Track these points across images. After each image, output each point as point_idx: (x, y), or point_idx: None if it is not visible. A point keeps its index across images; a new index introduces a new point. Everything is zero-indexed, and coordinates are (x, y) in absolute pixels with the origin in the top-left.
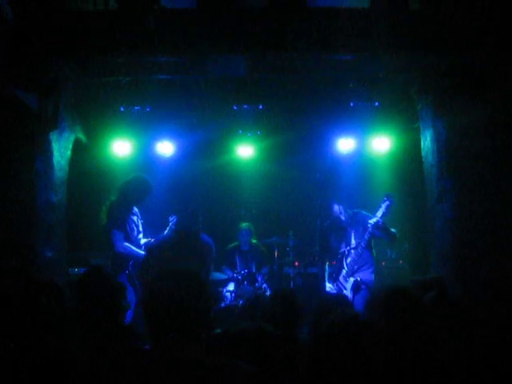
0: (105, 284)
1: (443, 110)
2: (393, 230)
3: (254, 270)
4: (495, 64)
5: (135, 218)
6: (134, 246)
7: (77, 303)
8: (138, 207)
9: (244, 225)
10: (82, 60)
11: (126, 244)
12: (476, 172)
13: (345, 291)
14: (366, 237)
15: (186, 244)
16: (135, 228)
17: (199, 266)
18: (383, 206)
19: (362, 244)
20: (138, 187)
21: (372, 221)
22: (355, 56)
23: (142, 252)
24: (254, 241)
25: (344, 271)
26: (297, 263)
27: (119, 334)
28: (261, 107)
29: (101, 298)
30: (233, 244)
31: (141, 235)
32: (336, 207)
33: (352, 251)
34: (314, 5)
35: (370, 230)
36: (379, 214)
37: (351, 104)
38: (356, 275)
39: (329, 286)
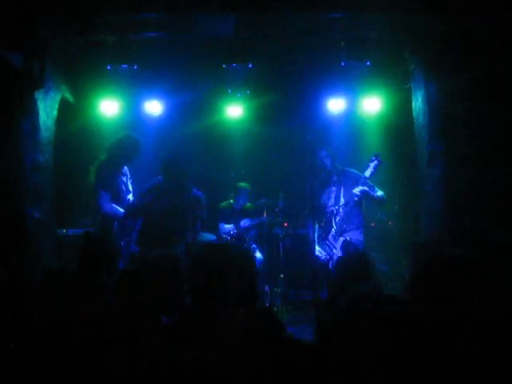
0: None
1: (436, 71)
2: (380, 193)
3: (243, 225)
4: (492, 27)
5: (125, 177)
6: (123, 205)
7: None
8: (127, 166)
9: (243, 184)
10: (67, 19)
11: (113, 205)
12: (467, 134)
13: (334, 250)
14: (354, 197)
15: (176, 195)
16: (124, 188)
17: (190, 218)
18: (371, 165)
19: (351, 203)
20: (127, 146)
21: (357, 190)
22: (346, 14)
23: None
24: (248, 204)
25: (333, 230)
26: (286, 224)
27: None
28: (250, 66)
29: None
30: (225, 202)
31: (130, 195)
32: (322, 152)
33: (341, 209)
34: None
35: (357, 196)
36: (367, 173)
37: (342, 63)
38: (345, 235)
39: (318, 250)
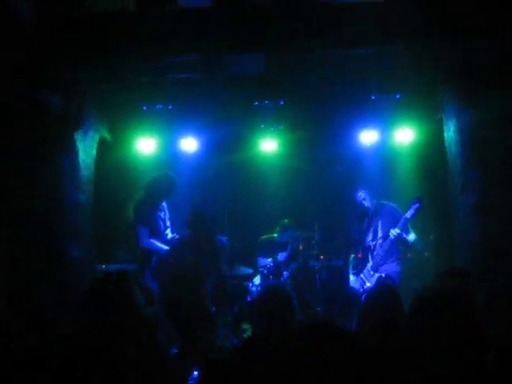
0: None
1: (467, 100)
2: (412, 237)
3: (280, 264)
4: None
5: (162, 213)
6: (161, 241)
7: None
8: (164, 202)
9: (285, 221)
10: (103, 62)
11: (151, 240)
12: (500, 162)
13: (368, 284)
14: (391, 238)
15: (201, 245)
16: (162, 224)
17: (212, 265)
18: (413, 207)
19: (390, 238)
20: (164, 184)
21: (393, 233)
22: (377, 49)
23: (166, 247)
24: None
25: (369, 265)
26: (322, 256)
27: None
28: (282, 102)
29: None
30: (268, 235)
31: (168, 230)
32: (360, 193)
33: (377, 245)
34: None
35: (392, 238)
36: (408, 214)
37: (373, 97)
38: (381, 268)
39: (352, 279)
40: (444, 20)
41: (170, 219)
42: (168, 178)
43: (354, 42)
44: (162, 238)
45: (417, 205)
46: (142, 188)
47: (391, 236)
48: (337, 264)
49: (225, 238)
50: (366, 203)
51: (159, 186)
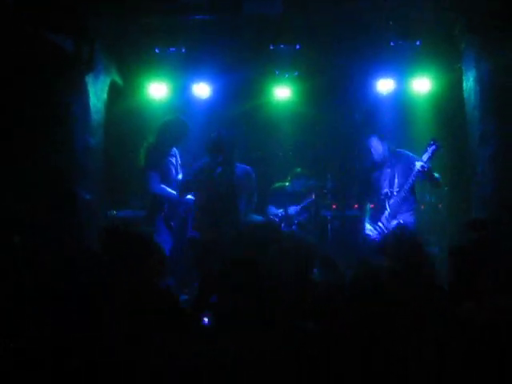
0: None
1: (488, 49)
2: (437, 175)
3: (290, 213)
4: None
5: (173, 159)
6: (173, 187)
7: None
8: (176, 148)
9: (297, 170)
10: (115, 5)
11: (162, 186)
12: None
13: (387, 231)
14: (410, 180)
15: (226, 173)
16: (173, 169)
17: (244, 196)
18: (429, 150)
19: (406, 187)
20: (176, 128)
21: (418, 165)
22: None
23: (175, 193)
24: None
25: (386, 212)
26: (334, 206)
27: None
28: (298, 47)
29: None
30: (280, 183)
31: (180, 176)
32: (375, 140)
33: (395, 192)
34: None
35: (415, 173)
36: (425, 157)
37: (391, 43)
38: (398, 217)
39: (368, 228)
40: None
41: (181, 166)
42: (180, 122)
43: None
44: (174, 185)
45: (433, 147)
46: (153, 132)
47: (417, 168)
48: (350, 214)
49: (250, 168)
50: (381, 150)
51: (171, 131)
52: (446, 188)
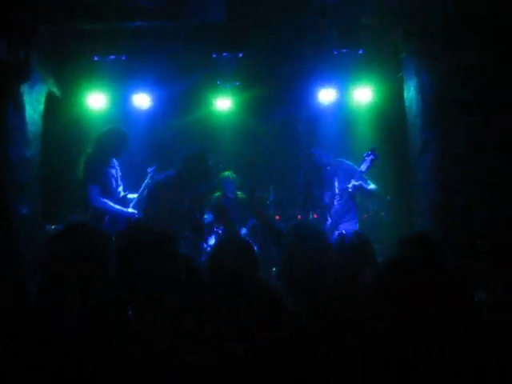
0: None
1: (428, 58)
2: (372, 186)
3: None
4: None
5: (114, 170)
6: (113, 199)
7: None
8: (116, 159)
9: (227, 173)
10: (53, 6)
11: (102, 199)
12: (460, 121)
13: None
14: (348, 191)
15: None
16: (114, 181)
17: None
18: (367, 159)
19: (345, 195)
20: (115, 138)
21: (350, 185)
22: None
23: (118, 207)
24: (238, 192)
25: (328, 223)
26: (277, 217)
27: None
28: (240, 55)
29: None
30: (216, 193)
31: (120, 188)
32: (315, 151)
33: (335, 202)
34: None
35: (350, 191)
36: (363, 167)
37: (334, 52)
38: (340, 226)
39: None
40: None
41: (122, 177)
42: (119, 131)
43: None
44: (114, 197)
45: (371, 156)
46: (92, 144)
47: (349, 188)
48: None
49: None
50: (322, 161)
51: (109, 141)
52: (388, 197)
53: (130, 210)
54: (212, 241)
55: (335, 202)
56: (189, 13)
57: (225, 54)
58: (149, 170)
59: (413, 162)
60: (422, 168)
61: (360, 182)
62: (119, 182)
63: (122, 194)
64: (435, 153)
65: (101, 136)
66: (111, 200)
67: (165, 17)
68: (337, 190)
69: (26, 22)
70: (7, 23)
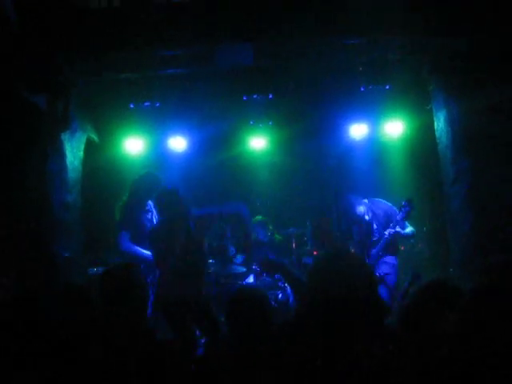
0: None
1: (456, 90)
2: (409, 229)
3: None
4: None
5: (149, 214)
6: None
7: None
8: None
9: (257, 218)
10: (89, 59)
11: (133, 245)
12: (491, 152)
13: None
14: (387, 235)
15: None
16: (149, 225)
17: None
18: (403, 210)
19: (383, 242)
20: (148, 184)
21: (387, 233)
22: (363, 39)
23: (146, 252)
24: (271, 232)
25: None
26: (315, 252)
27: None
28: (270, 97)
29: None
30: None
31: None
32: (359, 208)
33: (374, 243)
34: None
35: (387, 237)
36: (399, 217)
37: (362, 89)
38: (378, 266)
39: None
40: (431, 14)
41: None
42: (152, 176)
43: (342, 30)
44: None
45: (407, 208)
46: (127, 190)
47: (387, 235)
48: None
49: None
50: (367, 216)
51: (143, 186)
52: (424, 228)
53: None
54: (250, 279)
55: (373, 243)
56: (218, 58)
57: (255, 95)
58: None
59: (446, 193)
60: (455, 198)
61: (396, 230)
62: None
63: None
64: (467, 183)
65: (134, 182)
66: (145, 245)
67: (195, 64)
68: (375, 232)
69: (65, 75)
70: (47, 76)
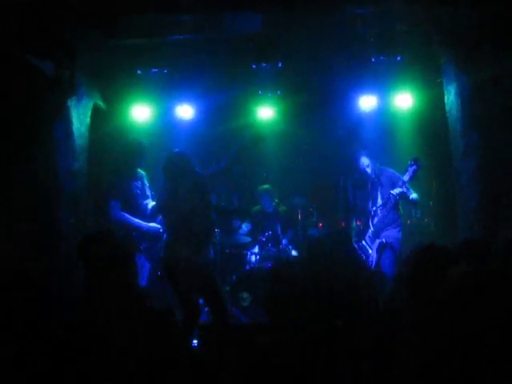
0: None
1: (467, 63)
2: (414, 195)
3: (278, 232)
4: None
5: (139, 182)
6: (140, 211)
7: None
8: (141, 169)
9: (263, 187)
10: (95, 21)
11: (124, 213)
12: (502, 125)
13: (370, 251)
14: (392, 200)
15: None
16: (139, 192)
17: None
18: (410, 169)
19: (389, 204)
20: (131, 150)
21: (395, 192)
22: (374, 9)
23: (138, 220)
24: (276, 202)
25: (370, 231)
26: (321, 224)
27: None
28: (280, 65)
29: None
30: (256, 207)
31: (148, 200)
32: (363, 159)
33: (378, 211)
34: None
35: (394, 197)
36: (406, 177)
37: (372, 59)
38: (382, 235)
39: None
40: None
41: (150, 188)
42: (134, 142)
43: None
44: (141, 208)
45: (414, 167)
46: (113, 160)
47: (393, 193)
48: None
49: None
50: (369, 170)
51: (126, 154)
52: (430, 203)
53: (152, 224)
54: (255, 249)
55: (378, 211)
56: (227, 25)
57: (264, 64)
58: None
59: (455, 166)
60: (465, 172)
61: (402, 190)
62: (148, 193)
63: (151, 205)
64: (478, 157)
65: (117, 151)
66: (136, 212)
67: (204, 30)
68: (380, 200)
69: (70, 41)
70: (52, 42)
